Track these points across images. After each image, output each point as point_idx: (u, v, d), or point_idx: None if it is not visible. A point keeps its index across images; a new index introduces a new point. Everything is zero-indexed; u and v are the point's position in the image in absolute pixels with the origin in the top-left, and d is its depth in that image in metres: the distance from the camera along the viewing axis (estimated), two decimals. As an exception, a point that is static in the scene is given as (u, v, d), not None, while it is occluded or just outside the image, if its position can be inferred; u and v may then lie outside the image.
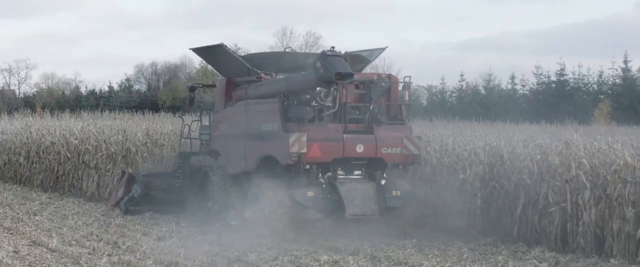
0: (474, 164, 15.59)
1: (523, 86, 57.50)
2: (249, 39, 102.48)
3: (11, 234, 14.86)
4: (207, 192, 16.66)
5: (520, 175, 14.78)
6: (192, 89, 18.35)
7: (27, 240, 14.14)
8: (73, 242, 13.97)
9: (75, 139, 22.50)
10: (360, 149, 14.74)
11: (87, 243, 13.79)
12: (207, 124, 17.60)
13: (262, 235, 14.31)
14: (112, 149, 20.73)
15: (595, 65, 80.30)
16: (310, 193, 14.52)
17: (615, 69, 54.06)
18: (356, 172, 15.10)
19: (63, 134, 23.31)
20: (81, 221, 16.66)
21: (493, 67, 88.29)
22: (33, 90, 79.13)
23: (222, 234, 14.87)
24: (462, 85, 59.69)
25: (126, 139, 20.77)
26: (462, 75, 60.01)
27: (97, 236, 14.73)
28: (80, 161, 21.73)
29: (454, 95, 60.09)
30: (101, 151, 20.99)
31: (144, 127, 21.86)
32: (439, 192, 15.88)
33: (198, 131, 17.58)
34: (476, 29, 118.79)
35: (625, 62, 53.81)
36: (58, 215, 17.79)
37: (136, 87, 76.27)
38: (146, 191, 17.94)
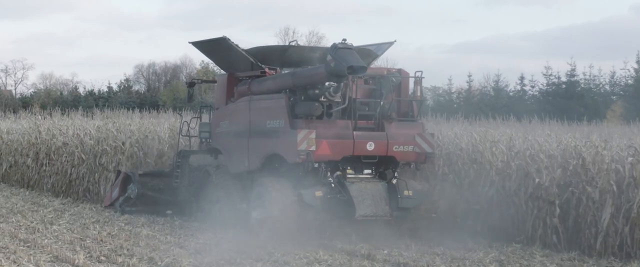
0: (549, 168, 13.87)
1: (532, 87, 56.32)
2: (247, 41, 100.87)
3: (29, 247, 13.01)
4: (207, 192, 15.75)
5: (606, 180, 13.07)
6: (191, 84, 17.64)
7: (48, 255, 12.29)
8: (102, 258, 12.08)
9: (91, 139, 20.65)
10: (370, 146, 13.94)
11: (119, 259, 11.90)
12: (207, 121, 16.72)
13: (275, 239, 13.19)
14: (136, 151, 18.92)
15: (595, 66, 79.21)
16: (318, 193, 13.65)
17: (628, 69, 52.84)
18: (366, 171, 14.29)
19: (77, 134, 21.40)
20: (105, 232, 14.80)
21: (490, 70, 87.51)
22: (30, 90, 77.69)
23: (267, 247, 13.05)
24: (469, 86, 58.64)
25: (152, 139, 18.97)
26: (469, 76, 59.29)
27: (127, 249, 12.87)
28: (97, 164, 19.88)
29: (461, 96, 59.09)
30: (123, 152, 19.15)
31: (166, 126, 20.05)
32: (509, 199, 14.25)
33: (198, 129, 16.75)
34: (472, 31, 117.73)
35: (638, 62, 52.46)
36: (77, 224, 15.91)
37: (135, 87, 74.85)
38: (143, 191, 17.08)
